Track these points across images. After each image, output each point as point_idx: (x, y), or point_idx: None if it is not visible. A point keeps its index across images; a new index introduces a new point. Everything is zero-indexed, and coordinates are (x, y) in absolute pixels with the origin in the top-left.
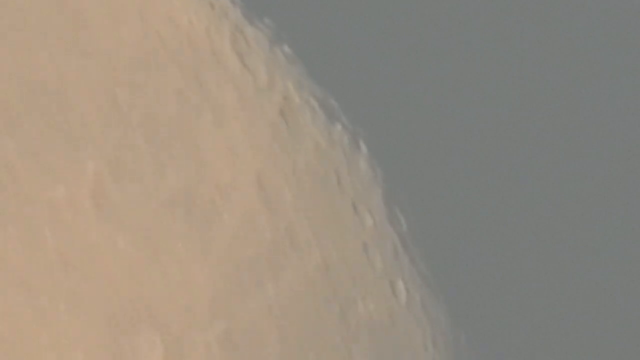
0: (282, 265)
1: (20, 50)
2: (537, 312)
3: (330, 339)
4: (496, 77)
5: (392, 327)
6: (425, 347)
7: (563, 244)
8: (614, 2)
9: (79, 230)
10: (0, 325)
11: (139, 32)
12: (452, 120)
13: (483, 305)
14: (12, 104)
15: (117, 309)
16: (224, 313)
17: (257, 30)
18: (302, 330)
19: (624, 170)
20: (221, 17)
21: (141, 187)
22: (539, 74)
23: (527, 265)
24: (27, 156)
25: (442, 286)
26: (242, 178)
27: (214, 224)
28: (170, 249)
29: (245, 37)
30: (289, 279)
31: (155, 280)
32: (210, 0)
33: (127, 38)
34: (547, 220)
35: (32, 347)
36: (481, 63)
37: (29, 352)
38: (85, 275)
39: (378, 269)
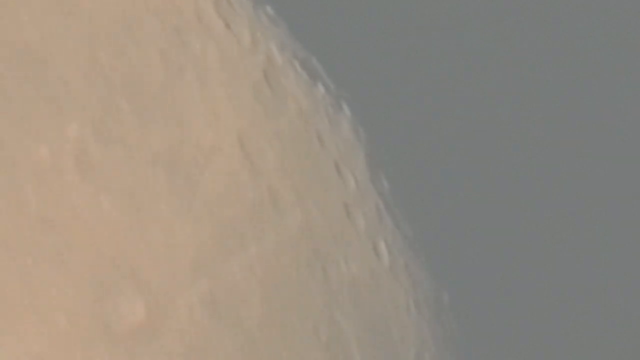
0: (264, 226)
1: (1, 11)
2: (522, 276)
3: (312, 300)
4: (485, 44)
5: (374, 289)
6: (407, 309)
7: (550, 212)
8: (614, 2)
9: (62, 191)
10: None
11: None
12: (437, 82)
13: (466, 267)
14: None
15: (100, 270)
16: (207, 273)
17: None
18: (285, 291)
19: (624, 170)
20: None
21: (124, 148)
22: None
23: (513, 232)
24: (9, 118)
25: (425, 248)
26: (224, 139)
27: (196, 184)
28: (153, 209)
29: None
30: (272, 240)
31: (138, 241)
32: None
33: None
34: (534, 187)
35: (13, 309)
36: (471, 29)
37: (10, 313)
38: (68, 237)
39: (360, 230)
